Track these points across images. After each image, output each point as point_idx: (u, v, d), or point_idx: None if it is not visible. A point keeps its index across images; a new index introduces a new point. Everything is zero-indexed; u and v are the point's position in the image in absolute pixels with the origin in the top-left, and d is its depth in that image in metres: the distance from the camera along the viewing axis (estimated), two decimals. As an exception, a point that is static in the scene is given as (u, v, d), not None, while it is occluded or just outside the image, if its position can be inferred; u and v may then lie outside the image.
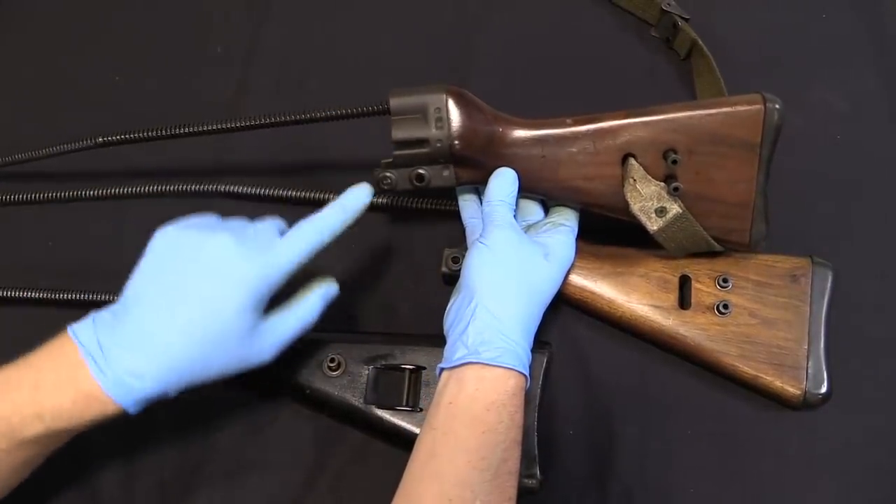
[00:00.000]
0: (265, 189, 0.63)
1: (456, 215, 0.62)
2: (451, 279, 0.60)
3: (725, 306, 0.56)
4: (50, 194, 0.65)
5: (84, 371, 0.43)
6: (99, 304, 0.47)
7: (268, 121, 0.56)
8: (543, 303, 0.53)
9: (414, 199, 0.63)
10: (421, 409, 0.54)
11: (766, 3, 0.73)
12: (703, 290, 0.57)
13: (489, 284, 0.50)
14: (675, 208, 0.53)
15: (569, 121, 0.54)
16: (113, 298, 0.47)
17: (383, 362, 0.56)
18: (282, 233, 0.49)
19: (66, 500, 0.56)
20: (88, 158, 0.62)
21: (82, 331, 0.45)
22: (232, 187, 0.64)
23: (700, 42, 0.67)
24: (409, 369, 0.56)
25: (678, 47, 0.70)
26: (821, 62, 0.70)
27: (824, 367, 0.55)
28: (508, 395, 0.47)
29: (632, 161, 0.53)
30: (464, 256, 0.58)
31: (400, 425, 0.54)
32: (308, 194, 0.63)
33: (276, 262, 0.47)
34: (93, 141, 0.59)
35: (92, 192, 0.65)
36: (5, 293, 0.59)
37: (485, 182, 0.55)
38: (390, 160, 0.54)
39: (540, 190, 0.56)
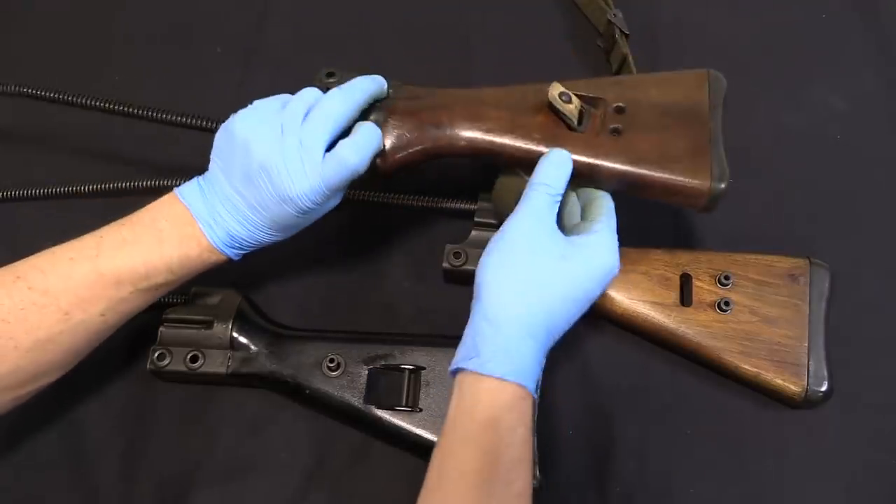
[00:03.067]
0: None
1: (456, 215, 0.62)
2: (453, 275, 0.60)
3: (726, 303, 0.56)
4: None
5: (200, 230, 0.50)
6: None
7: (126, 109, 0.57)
8: (558, 309, 0.47)
9: (415, 198, 0.63)
10: (421, 410, 0.54)
11: (766, 3, 0.74)
12: (704, 287, 0.57)
13: (491, 282, 0.46)
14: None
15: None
16: None
17: (383, 362, 0.56)
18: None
19: (67, 499, 0.56)
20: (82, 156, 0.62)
21: (190, 196, 0.51)
22: None
23: (630, 59, 0.66)
24: (408, 369, 0.56)
25: (612, 61, 0.69)
26: (821, 62, 0.70)
27: (825, 365, 0.55)
28: (505, 410, 0.43)
29: None
30: (465, 254, 0.58)
31: (399, 425, 0.54)
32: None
33: (325, 191, 0.49)
34: (14, 88, 0.59)
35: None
36: None
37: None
38: None
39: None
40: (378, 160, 0.52)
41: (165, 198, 0.52)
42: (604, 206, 0.51)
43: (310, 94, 0.51)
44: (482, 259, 0.48)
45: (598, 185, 0.53)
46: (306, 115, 0.49)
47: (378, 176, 0.53)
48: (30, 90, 0.59)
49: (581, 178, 0.51)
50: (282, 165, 0.48)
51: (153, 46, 0.73)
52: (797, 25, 0.72)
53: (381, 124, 0.52)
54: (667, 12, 0.73)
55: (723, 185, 0.49)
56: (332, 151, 0.49)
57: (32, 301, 0.48)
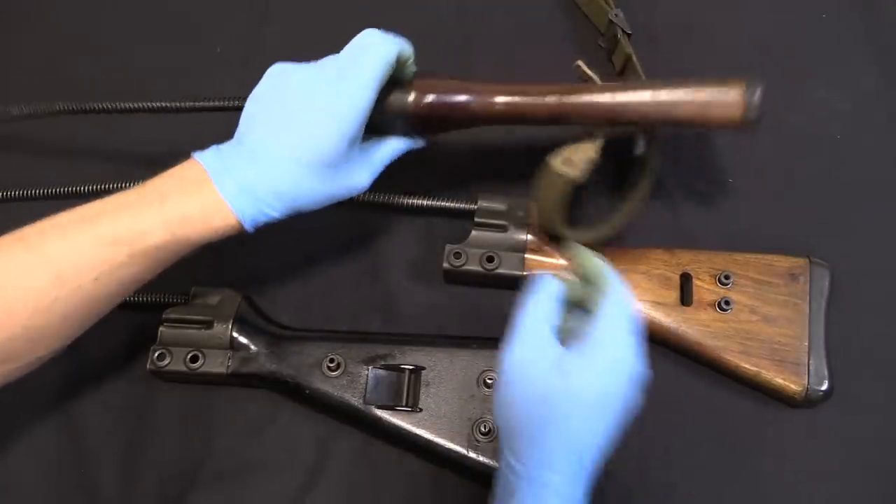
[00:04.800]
0: None
1: (456, 215, 0.62)
2: (453, 276, 0.60)
3: (727, 303, 0.56)
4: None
5: (209, 185, 0.48)
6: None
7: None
8: (576, 436, 0.42)
9: (415, 198, 0.63)
10: (420, 410, 0.54)
11: (766, 3, 0.74)
12: (704, 287, 0.57)
13: (505, 425, 0.44)
14: (572, 171, 0.54)
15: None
16: None
17: (383, 362, 0.56)
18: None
19: (66, 499, 0.56)
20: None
21: (205, 154, 0.50)
22: None
23: (634, 59, 0.66)
24: (408, 369, 0.56)
25: (615, 61, 0.69)
26: (821, 62, 0.70)
27: (825, 364, 0.55)
28: None
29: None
30: (466, 254, 0.58)
31: (400, 425, 0.54)
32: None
33: (360, 95, 0.50)
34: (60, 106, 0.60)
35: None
36: None
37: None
38: None
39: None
40: (411, 101, 0.54)
41: (184, 162, 0.50)
42: (602, 286, 0.45)
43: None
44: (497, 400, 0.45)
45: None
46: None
47: (411, 118, 0.54)
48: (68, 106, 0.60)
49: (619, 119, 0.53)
50: (340, 96, 0.49)
51: (153, 46, 0.73)
52: (797, 25, 0.72)
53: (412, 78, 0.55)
54: (666, 12, 0.73)
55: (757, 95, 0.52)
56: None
57: (27, 263, 0.46)
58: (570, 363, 0.42)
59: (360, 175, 0.53)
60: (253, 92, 0.52)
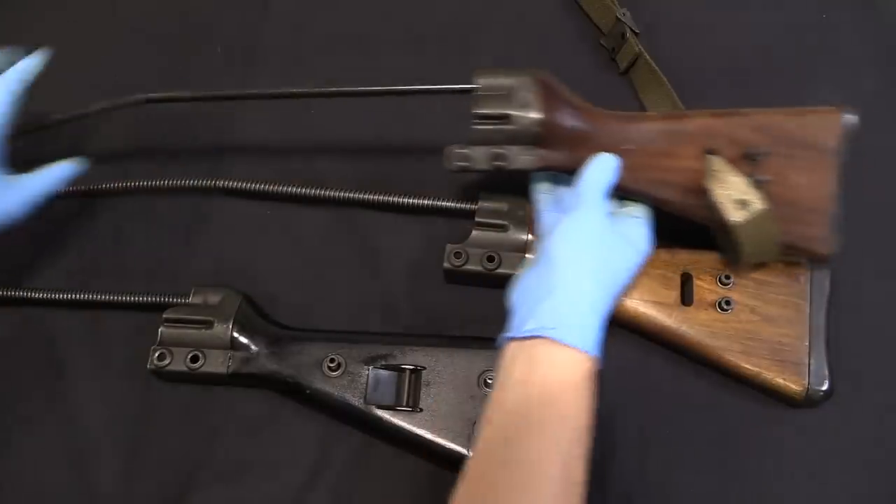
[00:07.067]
0: (264, 185, 0.63)
1: (456, 215, 0.62)
2: (453, 275, 0.60)
3: (727, 303, 0.56)
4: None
5: None
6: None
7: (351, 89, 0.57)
8: (620, 291, 0.53)
9: (415, 198, 0.62)
10: (421, 410, 0.54)
11: (766, 3, 0.74)
12: (705, 287, 0.57)
13: (575, 262, 0.50)
14: (758, 203, 0.51)
15: (655, 115, 0.54)
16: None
17: (383, 362, 0.56)
18: None
19: (66, 499, 0.56)
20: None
21: None
22: (224, 182, 0.64)
23: (646, 56, 0.66)
24: (409, 369, 0.56)
25: (619, 60, 0.69)
26: (821, 62, 0.70)
27: (826, 364, 0.55)
28: (583, 378, 0.46)
29: (713, 156, 0.53)
30: (466, 253, 0.58)
31: (400, 425, 0.54)
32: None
33: None
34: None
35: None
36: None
37: (568, 169, 0.55)
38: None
39: (620, 183, 0.55)
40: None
41: None
42: None
43: None
44: (563, 239, 0.51)
45: None
46: None
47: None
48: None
49: None
50: None
51: (153, 46, 0.73)
52: (797, 25, 0.72)
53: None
54: (666, 12, 0.73)
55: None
56: None
57: None
58: (634, 238, 0.54)
59: (16, 199, 0.54)
60: None
